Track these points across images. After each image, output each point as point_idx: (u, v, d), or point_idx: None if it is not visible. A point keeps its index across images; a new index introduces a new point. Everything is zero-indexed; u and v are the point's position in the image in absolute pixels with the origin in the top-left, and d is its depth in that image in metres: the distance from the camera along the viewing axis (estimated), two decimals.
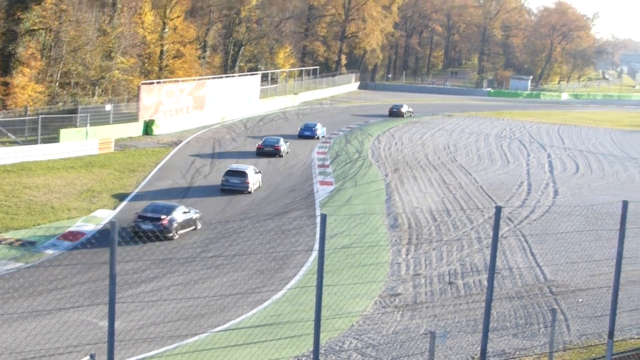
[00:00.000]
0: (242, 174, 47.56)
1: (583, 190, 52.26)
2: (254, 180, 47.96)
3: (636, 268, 28.51)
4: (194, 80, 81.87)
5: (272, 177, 53.09)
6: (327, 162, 58.82)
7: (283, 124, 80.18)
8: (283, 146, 61.00)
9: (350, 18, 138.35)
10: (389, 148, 66.66)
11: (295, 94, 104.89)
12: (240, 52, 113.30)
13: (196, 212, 38.64)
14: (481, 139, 76.56)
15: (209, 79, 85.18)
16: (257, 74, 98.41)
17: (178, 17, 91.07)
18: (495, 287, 15.78)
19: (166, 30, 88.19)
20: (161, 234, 35.30)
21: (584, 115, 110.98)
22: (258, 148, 60.61)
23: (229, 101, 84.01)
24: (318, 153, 62.68)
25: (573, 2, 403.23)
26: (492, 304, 15.71)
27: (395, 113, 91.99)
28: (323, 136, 71.73)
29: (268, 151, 60.05)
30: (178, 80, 78.79)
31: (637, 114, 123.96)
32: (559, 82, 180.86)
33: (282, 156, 59.92)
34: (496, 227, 15.01)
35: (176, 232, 36.25)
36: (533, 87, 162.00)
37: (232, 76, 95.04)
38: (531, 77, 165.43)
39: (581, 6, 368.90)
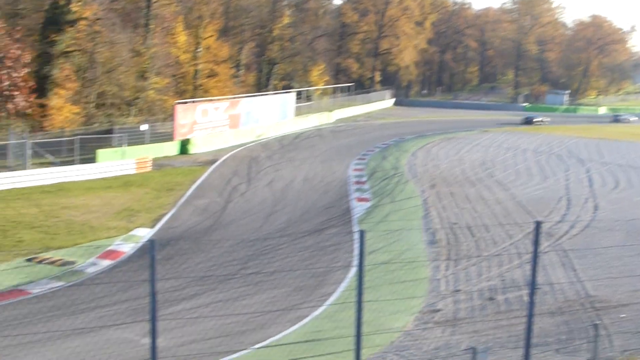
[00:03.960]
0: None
1: (624, 205, 51.54)
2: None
3: None
4: (228, 99, 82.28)
5: (309, 194, 53.06)
6: (364, 179, 58.56)
7: (318, 142, 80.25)
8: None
9: (383, 35, 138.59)
10: (426, 164, 66.35)
11: (330, 111, 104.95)
12: (274, 70, 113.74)
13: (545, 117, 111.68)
14: (518, 154, 75.98)
15: (243, 97, 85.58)
16: (291, 91, 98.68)
17: (211, 36, 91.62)
18: (536, 303, 15.66)
19: (199, 49, 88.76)
20: (531, 124, 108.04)
21: (623, 130, 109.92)
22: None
23: (264, 119, 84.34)
24: (354, 170, 62.50)
25: (609, 16, 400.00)
26: (533, 320, 15.56)
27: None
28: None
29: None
30: (212, 99, 79.21)
31: None
32: (596, 96, 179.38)
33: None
34: (536, 243, 14.92)
35: (537, 123, 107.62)
36: (570, 102, 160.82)
37: (267, 94, 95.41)
38: (568, 91, 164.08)
39: (617, 20, 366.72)
